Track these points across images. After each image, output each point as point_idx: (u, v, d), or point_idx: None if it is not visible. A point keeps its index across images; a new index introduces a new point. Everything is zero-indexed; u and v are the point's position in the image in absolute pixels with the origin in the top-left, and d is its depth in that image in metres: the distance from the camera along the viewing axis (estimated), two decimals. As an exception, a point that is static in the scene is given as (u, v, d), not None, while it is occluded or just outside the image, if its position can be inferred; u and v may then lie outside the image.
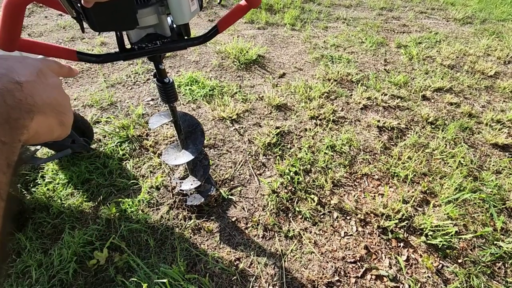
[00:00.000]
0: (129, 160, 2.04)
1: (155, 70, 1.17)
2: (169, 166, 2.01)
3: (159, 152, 2.11)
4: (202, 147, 1.50)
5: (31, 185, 1.84)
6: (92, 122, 2.31)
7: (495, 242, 1.69)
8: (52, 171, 1.92)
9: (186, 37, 0.99)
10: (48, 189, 1.81)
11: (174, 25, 0.98)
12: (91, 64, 3.05)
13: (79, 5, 0.76)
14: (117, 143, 2.13)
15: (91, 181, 1.88)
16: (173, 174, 1.95)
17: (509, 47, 4.04)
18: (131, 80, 2.86)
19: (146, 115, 2.44)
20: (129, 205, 1.74)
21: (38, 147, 1.90)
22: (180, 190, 1.81)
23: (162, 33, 0.96)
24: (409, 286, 1.49)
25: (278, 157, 2.13)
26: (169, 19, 0.98)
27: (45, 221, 1.66)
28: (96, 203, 1.77)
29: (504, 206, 1.89)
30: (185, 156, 1.46)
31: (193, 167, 1.71)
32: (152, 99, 2.63)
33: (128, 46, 0.97)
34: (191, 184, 1.67)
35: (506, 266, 1.60)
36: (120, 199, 1.78)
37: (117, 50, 0.96)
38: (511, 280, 1.54)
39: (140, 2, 0.85)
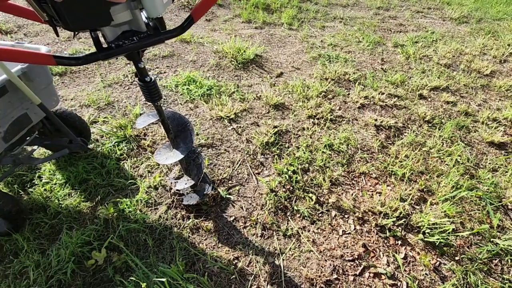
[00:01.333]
0: (127, 160, 2.03)
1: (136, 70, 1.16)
2: (167, 165, 2.01)
3: (157, 152, 2.10)
4: (192, 146, 1.50)
5: (28, 186, 1.83)
6: (89, 122, 2.30)
7: (491, 239, 1.71)
8: (49, 172, 1.91)
9: (162, 31, 0.99)
10: (45, 190, 1.80)
11: (150, 20, 0.98)
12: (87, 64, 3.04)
13: (49, 4, 0.74)
14: (115, 143, 2.12)
15: (89, 181, 1.87)
16: (170, 174, 1.95)
17: (505, 46, 4.07)
18: (128, 80, 2.85)
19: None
20: (127, 205, 1.73)
21: (35, 147, 1.89)
22: (176, 190, 1.81)
23: (137, 29, 0.96)
24: (407, 283, 1.50)
25: (276, 156, 2.13)
26: (143, 15, 0.98)
27: (43, 222, 1.65)
28: (94, 203, 1.77)
29: (500, 203, 1.91)
30: (176, 155, 1.46)
31: (187, 166, 1.71)
32: (150, 99, 2.62)
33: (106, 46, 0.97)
34: (185, 184, 1.67)
35: (503, 263, 1.62)
36: (118, 199, 1.77)
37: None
38: (508, 277, 1.55)
39: None
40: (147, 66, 3.07)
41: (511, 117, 2.65)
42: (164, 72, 3.03)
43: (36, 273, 1.44)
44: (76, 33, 0.89)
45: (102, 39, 0.99)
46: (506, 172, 2.12)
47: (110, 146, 2.10)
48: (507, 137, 2.44)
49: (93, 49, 0.97)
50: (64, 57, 0.94)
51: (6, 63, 1.31)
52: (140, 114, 2.42)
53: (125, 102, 2.56)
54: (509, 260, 1.61)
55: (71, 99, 2.55)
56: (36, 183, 1.84)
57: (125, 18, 0.90)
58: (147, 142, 2.16)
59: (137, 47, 0.97)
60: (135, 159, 2.05)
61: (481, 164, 2.20)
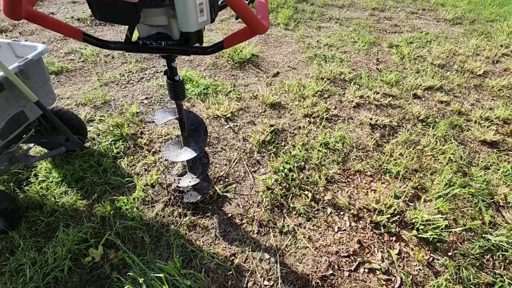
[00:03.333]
0: (124, 158, 2.03)
1: (166, 68, 1.21)
2: (164, 164, 2.02)
3: (154, 150, 2.11)
4: (204, 146, 1.51)
5: (24, 184, 1.83)
6: (85, 121, 2.30)
7: (483, 235, 1.74)
8: (46, 170, 1.91)
9: (196, 45, 1.00)
10: (41, 188, 1.80)
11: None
12: (84, 62, 3.03)
13: None
14: (111, 141, 2.13)
15: (85, 179, 1.87)
16: (169, 172, 1.96)
17: (497, 47, 4.13)
18: (125, 79, 2.85)
19: (140, 114, 2.43)
20: (124, 202, 1.74)
21: (31, 145, 1.88)
22: (177, 186, 1.82)
23: (170, 35, 0.98)
24: (401, 278, 1.52)
25: (272, 154, 2.15)
26: None
27: (39, 220, 1.65)
28: (91, 201, 1.77)
29: (492, 200, 1.94)
30: (188, 153, 1.47)
31: (192, 165, 1.72)
32: (146, 98, 2.63)
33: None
34: (190, 181, 1.67)
35: (494, 258, 1.65)
36: (115, 197, 1.78)
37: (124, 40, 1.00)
38: (499, 272, 1.58)
39: (152, 1, 0.86)
40: (143, 65, 3.08)
41: (503, 116, 2.70)
42: (161, 71, 3.03)
43: (32, 270, 1.43)
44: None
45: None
46: (498, 170, 2.16)
47: (107, 145, 2.10)
48: (499, 135, 2.48)
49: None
50: (92, 36, 1.00)
51: (3, 60, 1.31)
52: (137, 113, 2.42)
53: (121, 101, 2.56)
54: (501, 256, 1.65)
55: (67, 98, 2.54)
56: (32, 181, 1.83)
57: (160, 22, 0.92)
58: (144, 140, 2.16)
59: (160, 51, 1.00)
60: (132, 157, 2.05)
61: (474, 162, 2.24)
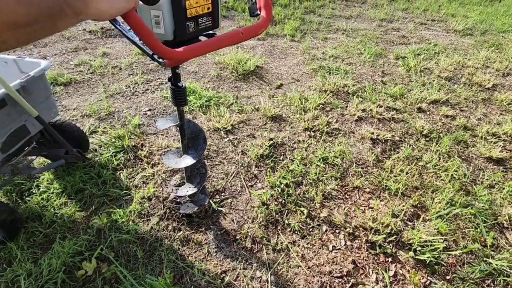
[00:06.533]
0: (123, 170, 2.07)
1: (170, 75, 1.26)
2: (161, 176, 2.04)
3: (153, 163, 2.14)
4: (202, 154, 1.54)
5: (26, 194, 1.88)
6: (89, 132, 2.36)
7: (485, 259, 1.68)
8: (47, 181, 1.96)
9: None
10: (42, 199, 1.85)
11: None
12: (92, 74, 3.12)
13: None
14: (112, 153, 2.17)
15: (85, 190, 1.91)
16: (166, 185, 1.98)
17: (509, 59, 4.04)
18: (130, 90, 2.92)
19: (142, 125, 2.48)
20: (120, 215, 1.76)
21: (34, 157, 1.94)
22: (176, 196, 1.83)
23: None
24: (395, 302, 1.48)
25: (269, 169, 2.14)
26: None
27: (37, 231, 1.69)
28: (88, 213, 1.80)
29: (495, 221, 1.88)
30: (187, 160, 1.50)
31: (190, 174, 1.73)
32: (150, 109, 2.68)
33: None
34: (187, 191, 1.69)
35: (496, 283, 1.59)
36: (111, 209, 1.80)
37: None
38: (501, 298, 1.52)
39: None
40: (148, 76, 3.14)
41: (511, 132, 2.62)
42: (166, 83, 3.09)
43: (27, 282, 1.47)
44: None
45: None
46: (503, 188, 2.09)
47: (108, 156, 2.14)
48: (506, 152, 2.40)
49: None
50: None
51: (8, 76, 1.37)
52: (139, 125, 2.47)
53: (125, 112, 2.62)
54: (502, 281, 1.58)
55: (74, 109, 2.62)
56: (34, 192, 1.89)
57: None
58: (144, 152, 2.20)
59: None
60: (131, 169, 2.09)
61: (478, 180, 2.17)
